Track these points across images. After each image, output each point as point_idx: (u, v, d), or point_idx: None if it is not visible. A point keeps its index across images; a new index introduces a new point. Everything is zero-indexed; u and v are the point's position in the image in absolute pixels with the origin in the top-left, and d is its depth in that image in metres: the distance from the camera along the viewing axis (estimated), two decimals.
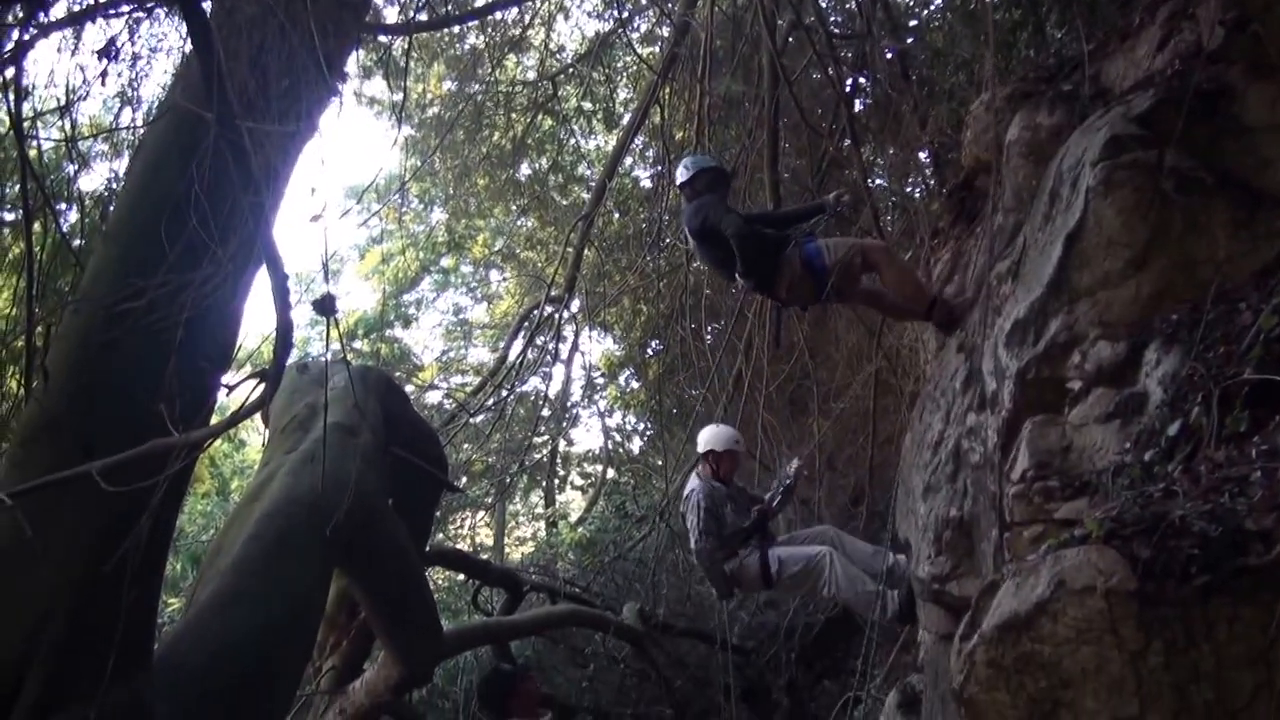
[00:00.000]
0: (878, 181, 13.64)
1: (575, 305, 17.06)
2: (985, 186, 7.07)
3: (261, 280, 5.91)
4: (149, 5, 8.21)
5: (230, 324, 6.51)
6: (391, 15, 13.07)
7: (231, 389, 5.31)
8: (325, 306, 4.64)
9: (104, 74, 7.49)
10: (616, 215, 17.14)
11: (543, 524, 24.09)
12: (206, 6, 6.56)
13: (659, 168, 15.31)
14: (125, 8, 7.99)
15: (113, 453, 4.16)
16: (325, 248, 4.63)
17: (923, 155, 11.88)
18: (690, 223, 7.72)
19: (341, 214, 17.92)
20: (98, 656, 4.87)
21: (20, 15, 6.83)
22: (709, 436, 8.88)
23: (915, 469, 6.36)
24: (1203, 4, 5.42)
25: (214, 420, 6.68)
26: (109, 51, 7.21)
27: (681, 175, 7.97)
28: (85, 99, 8.40)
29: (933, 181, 11.51)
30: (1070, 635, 3.03)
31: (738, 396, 12.35)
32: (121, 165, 9.71)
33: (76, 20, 7.64)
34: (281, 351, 4.63)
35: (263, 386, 4.79)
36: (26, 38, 6.96)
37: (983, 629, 3.24)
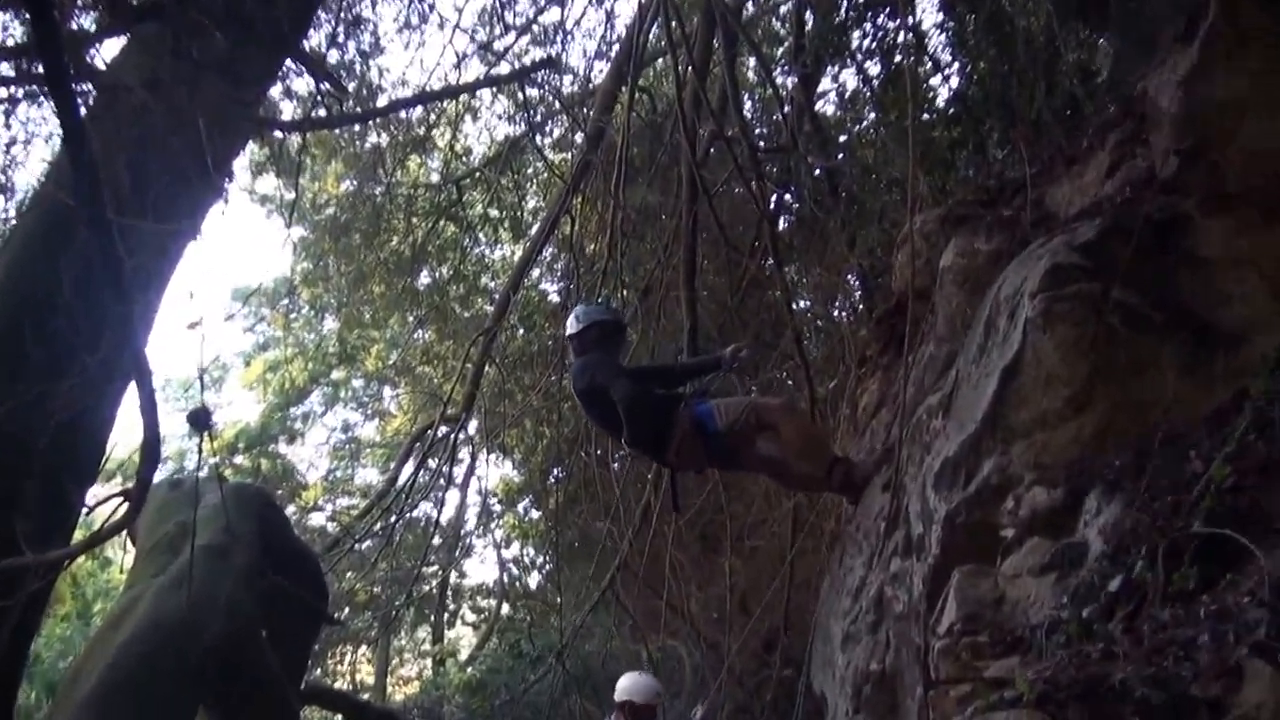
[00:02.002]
0: (801, 304, 13.68)
1: (473, 426, 16.85)
2: (917, 313, 7.02)
3: (133, 388, 5.76)
4: (17, 93, 8.16)
5: (97, 436, 6.43)
6: (288, 110, 13.04)
7: (93, 508, 5.11)
8: (199, 420, 4.50)
9: None
10: (521, 331, 17.05)
11: (430, 662, 23.88)
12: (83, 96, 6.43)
13: (568, 282, 15.24)
14: None
15: None
16: (202, 357, 4.46)
17: (850, 278, 11.90)
18: (576, 382, 7.63)
19: (226, 317, 17.73)
20: None
21: None
22: (630, 686, 8.75)
23: (834, 616, 6.34)
24: (1156, 130, 5.40)
25: (77, 537, 6.52)
26: None
27: (572, 326, 7.82)
28: None
29: (861, 306, 11.53)
30: None
31: (645, 530, 12.16)
32: None
33: None
34: (147, 469, 4.43)
35: (127, 505, 4.59)
36: None
37: None
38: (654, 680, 9.01)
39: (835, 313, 13.05)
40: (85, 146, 4.16)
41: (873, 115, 12.46)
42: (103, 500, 4.92)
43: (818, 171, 11.89)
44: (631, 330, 12.58)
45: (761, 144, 13.29)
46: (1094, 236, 5.03)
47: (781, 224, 13.26)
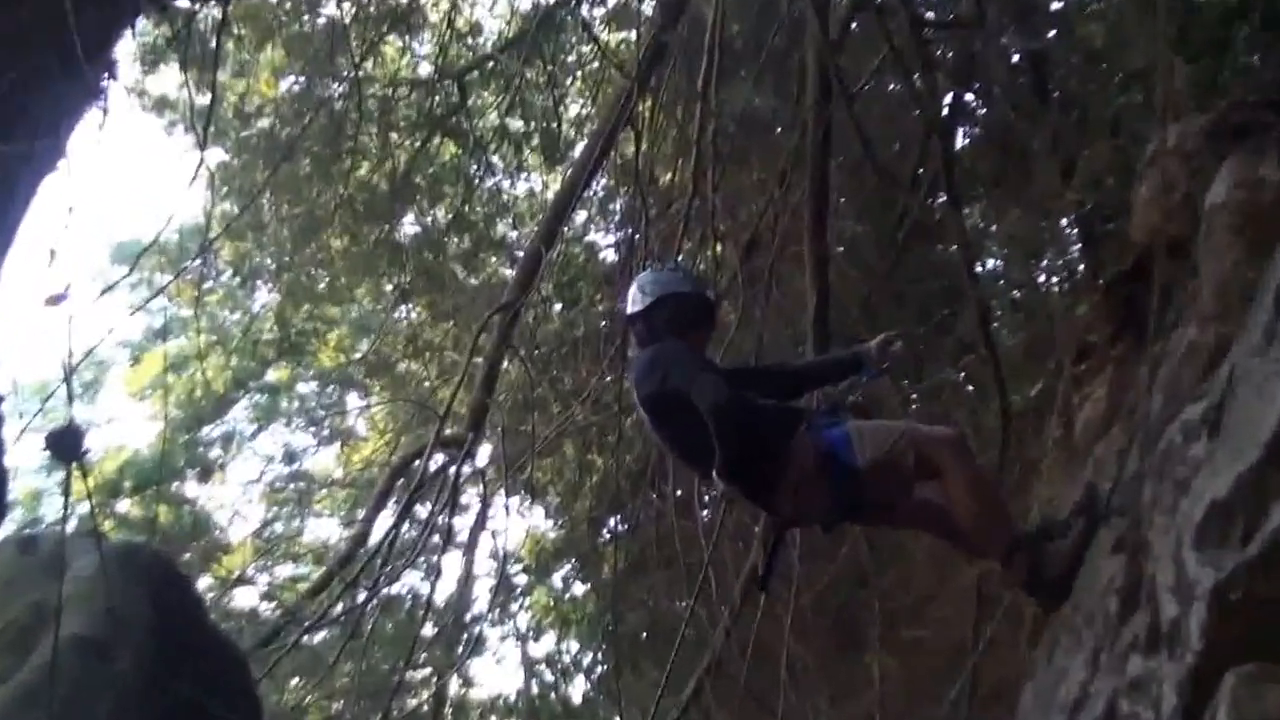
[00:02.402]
0: (990, 264, 13.69)
1: (484, 454, 16.96)
2: (1168, 277, 7.02)
3: None
4: None
5: None
6: None
7: None
8: (65, 445, 4.59)
9: None
10: (558, 307, 17.12)
11: None
12: None
13: (630, 230, 15.27)
14: None
15: None
16: (71, 347, 4.55)
17: (1065, 224, 11.91)
18: (639, 385, 7.49)
19: (103, 290, 17.75)
20: None
21: None
22: None
23: None
24: None
25: None
26: None
27: (635, 302, 7.73)
28: None
29: (1081, 268, 11.51)
30: None
31: (750, 612, 12.19)
32: None
33: None
34: None
35: None
36: None
37: None
38: None
39: (1041, 278, 13.05)
40: None
41: None
42: None
43: (1016, 59, 11.90)
44: (727, 307, 12.64)
45: (930, 16, 13.31)
46: None
47: (960, 140, 13.27)
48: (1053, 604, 6.51)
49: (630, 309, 7.74)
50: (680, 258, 11.89)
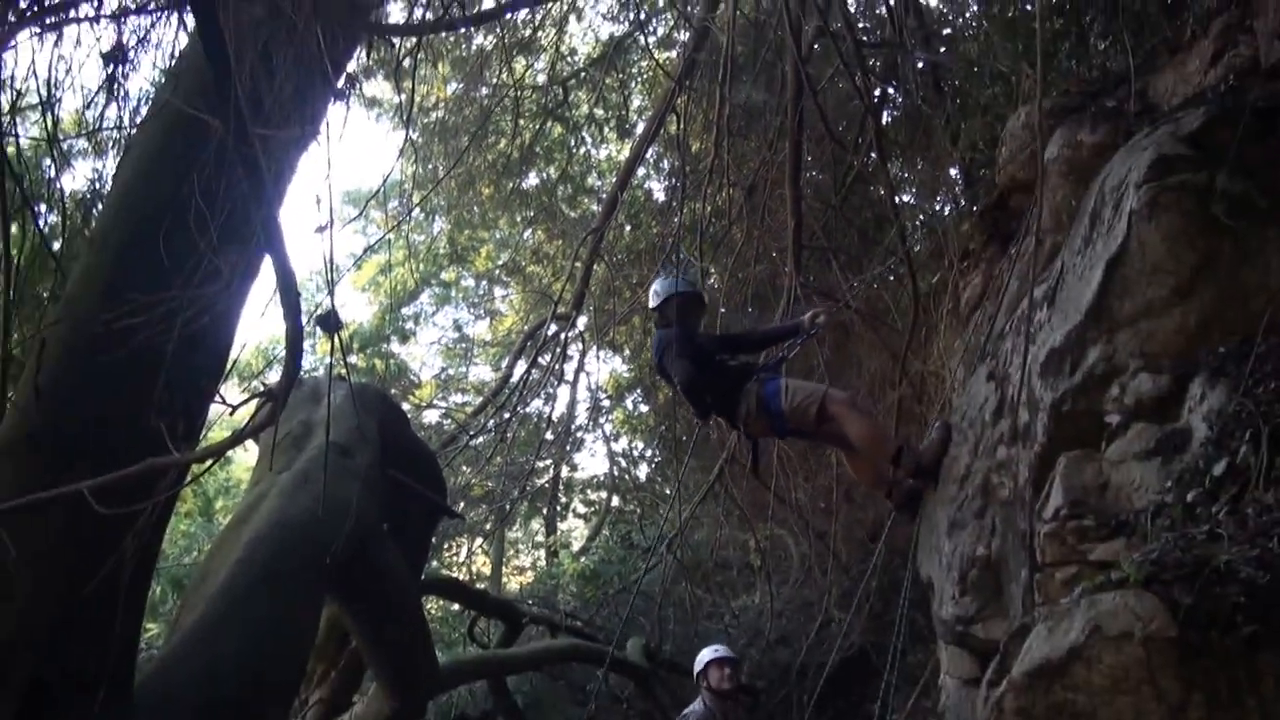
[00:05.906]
0: (905, 199, 13.61)
1: (582, 323, 17.03)
2: (1020, 206, 7.02)
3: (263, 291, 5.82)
4: (152, 7, 8.12)
5: (225, 338, 6.40)
6: (396, 14, 13.07)
7: (235, 408, 5.17)
8: (329, 323, 4.65)
9: (111, 79, 7.47)
10: (628, 229, 17.10)
11: (543, 553, 24.17)
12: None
13: (674, 180, 15.28)
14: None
15: (95, 472, 4.05)
16: (330, 261, 4.60)
17: (953, 172, 11.85)
18: (655, 357, 8.13)
19: (344, 223, 17.79)
20: (76, 685, 4.81)
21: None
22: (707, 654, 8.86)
23: (940, 504, 6.26)
24: (1260, 15, 5.38)
25: (214, 438, 6.56)
26: (117, 56, 7.20)
27: (652, 300, 8.20)
28: (64, 95, 8.33)
29: (963, 201, 11.47)
30: (1106, 684, 2.99)
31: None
32: (106, 165, 9.65)
33: (59, 11, 7.56)
34: (292, 369, 4.59)
35: (270, 404, 4.71)
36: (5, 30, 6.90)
37: (1012, 675, 3.21)
38: (724, 649, 8.98)
39: (939, 207, 12.97)
40: (226, 58, 4.32)
41: (975, 8, 12.35)
42: (246, 400, 4.97)
43: (921, 65, 11.79)
44: (735, 230, 12.65)
45: (865, 39, 13.16)
46: (1198, 126, 5.00)
47: (886, 119, 13.15)
48: (931, 482, 6.55)
49: (651, 302, 8.27)
50: (681, 267, 11.63)
